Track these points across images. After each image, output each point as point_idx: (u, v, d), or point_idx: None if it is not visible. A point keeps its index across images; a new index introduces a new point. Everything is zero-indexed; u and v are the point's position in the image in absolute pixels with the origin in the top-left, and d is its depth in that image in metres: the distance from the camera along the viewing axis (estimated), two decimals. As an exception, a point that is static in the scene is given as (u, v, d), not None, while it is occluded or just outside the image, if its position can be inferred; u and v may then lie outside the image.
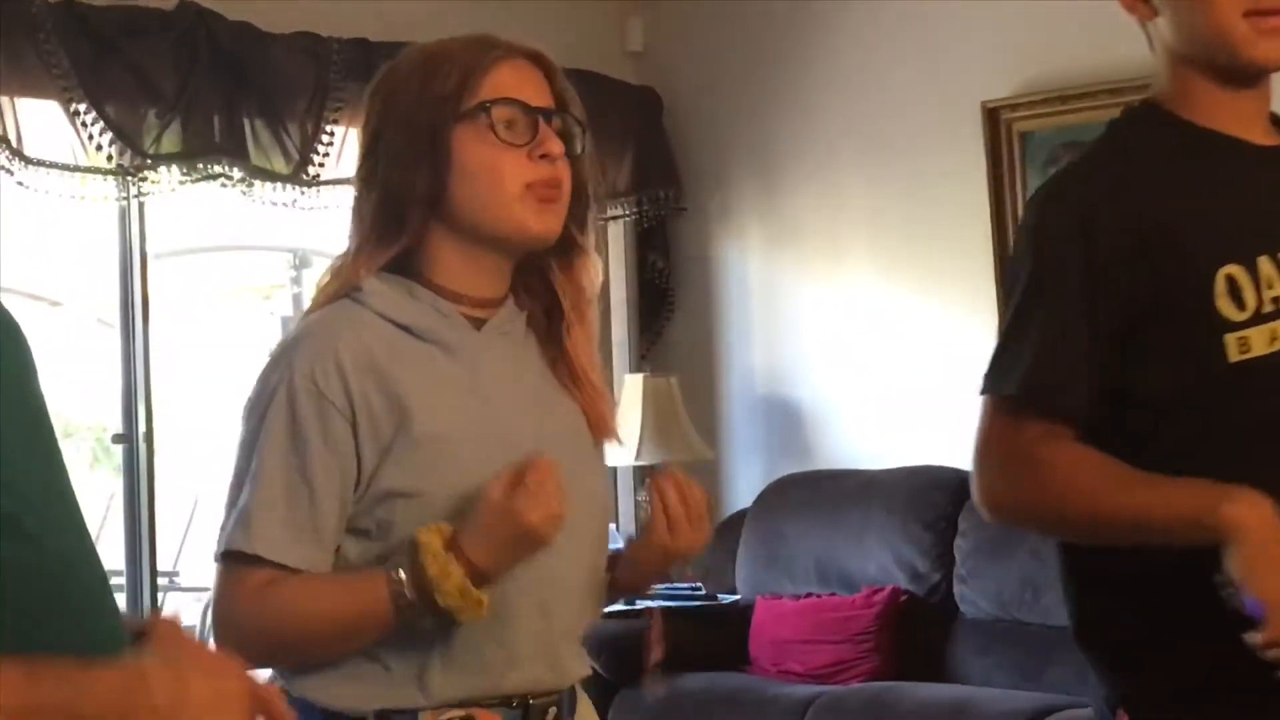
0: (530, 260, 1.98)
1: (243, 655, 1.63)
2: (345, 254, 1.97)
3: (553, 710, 1.93)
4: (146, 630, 1.29)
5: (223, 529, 1.87)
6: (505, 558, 1.80)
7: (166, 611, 1.36)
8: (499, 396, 1.94)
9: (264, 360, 1.93)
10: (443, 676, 1.85)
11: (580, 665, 2.01)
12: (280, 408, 1.85)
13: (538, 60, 1.99)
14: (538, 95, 1.95)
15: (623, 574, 2.06)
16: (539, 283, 2.01)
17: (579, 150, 1.98)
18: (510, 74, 1.94)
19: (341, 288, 1.92)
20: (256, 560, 1.83)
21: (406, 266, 1.94)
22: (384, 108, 1.94)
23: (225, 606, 1.85)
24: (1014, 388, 1.97)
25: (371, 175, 1.94)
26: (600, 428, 2.04)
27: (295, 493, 1.84)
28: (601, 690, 5.09)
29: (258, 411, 1.88)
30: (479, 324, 1.95)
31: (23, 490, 1.22)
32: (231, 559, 1.85)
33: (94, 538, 1.33)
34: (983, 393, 2.02)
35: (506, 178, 1.90)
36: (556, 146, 1.93)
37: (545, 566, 1.88)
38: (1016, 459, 1.97)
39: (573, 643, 1.98)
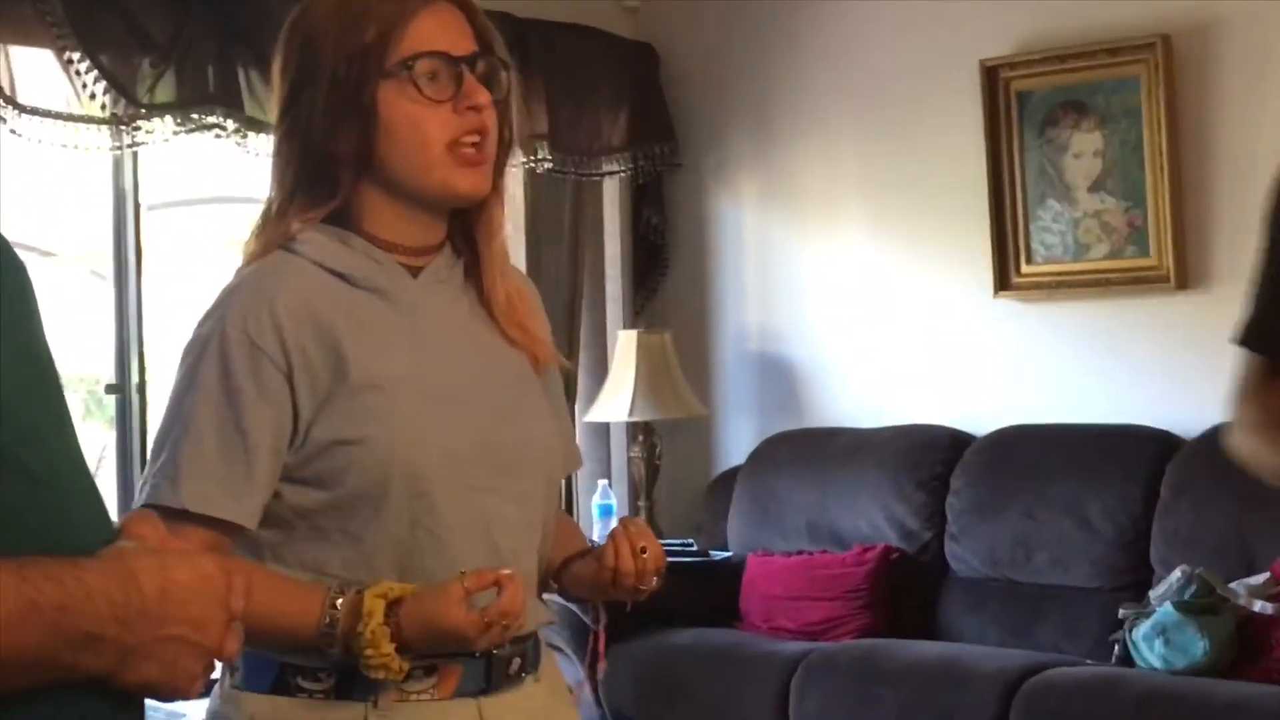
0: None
1: None
2: (270, 208, 1.93)
3: (516, 661, 1.92)
4: (123, 531, 1.30)
5: (144, 481, 1.84)
6: (433, 643, 1.80)
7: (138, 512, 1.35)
8: (439, 342, 1.93)
9: (199, 312, 1.90)
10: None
11: (539, 610, 1.98)
12: (212, 359, 1.83)
13: (457, 1, 1.94)
14: (460, 41, 1.91)
15: (568, 582, 2.06)
16: (460, 227, 1.99)
17: (504, 92, 1.95)
18: (431, 21, 1.90)
19: (274, 240, 1.90)
20: (184, 515, 1.79)
21: (337, 216, 1.92)
22: (302, 58, 1.90)
23: None
24: (1240, 333, 1.98)
25: (294, 128, 1.90)
26: (540, 364, 2.01)
27: (228, 445, 1.81)
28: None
29: (188, 362, 1.86)
30: (415, 272, 1.94)
31: (23, 424, 1.22)
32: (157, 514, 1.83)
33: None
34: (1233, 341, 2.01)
35: (431, 138, 1.88)
36: (483, 96, 1.90)
37: (493, 510, 1.89)
38: (1265, 416, 1.96)
39: (530, 585, 1.95)
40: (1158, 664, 4.25)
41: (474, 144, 1.90)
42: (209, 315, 1.88)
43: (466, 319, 1.97)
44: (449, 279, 1.97)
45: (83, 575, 1.18)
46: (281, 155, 1.92)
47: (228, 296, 1.88)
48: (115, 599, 1.18)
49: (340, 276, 1.89)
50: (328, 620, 1.78)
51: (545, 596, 2.06)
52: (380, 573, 1.83)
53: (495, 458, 1.91)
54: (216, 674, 1.91)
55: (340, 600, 1.78)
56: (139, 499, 1.84)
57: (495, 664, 1.89)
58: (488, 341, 1.98)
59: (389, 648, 1.76)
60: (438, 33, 1.90)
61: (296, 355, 1.83)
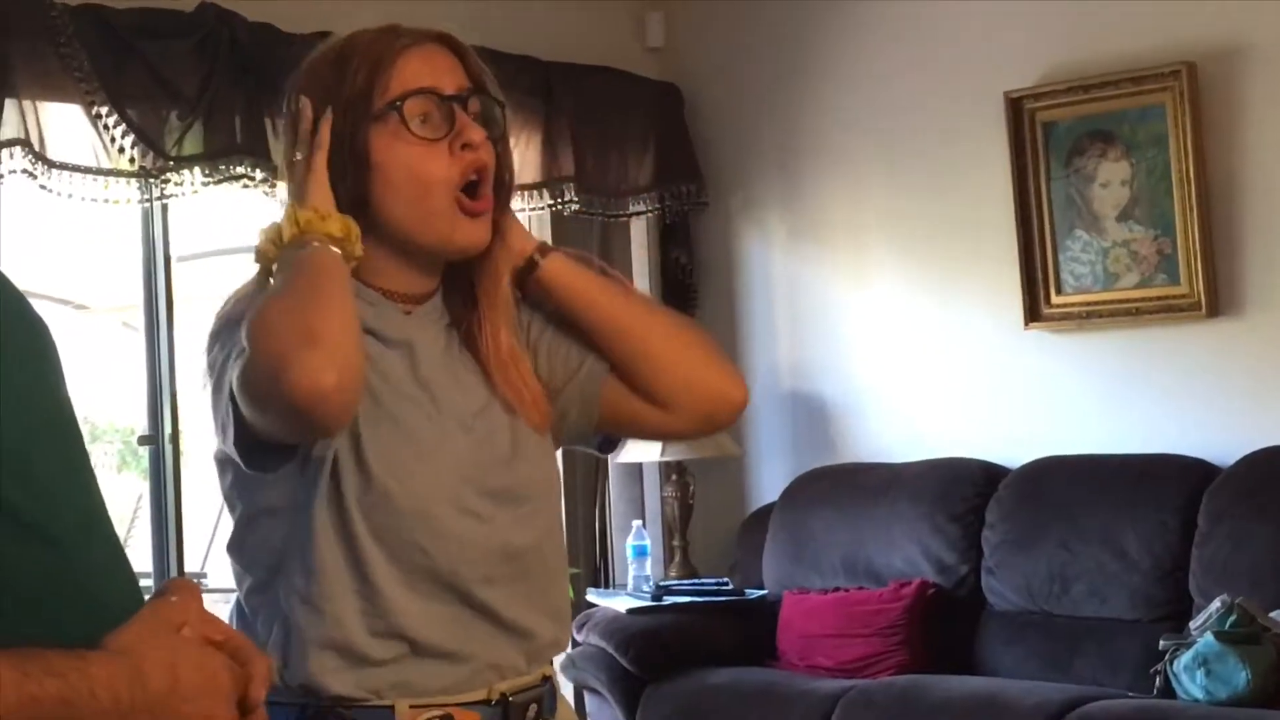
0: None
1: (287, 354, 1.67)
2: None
3: (533, 708, 1.90)
4: (164, 592, 1.29)
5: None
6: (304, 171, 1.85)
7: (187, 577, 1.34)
8: (436, 379, 1.91)
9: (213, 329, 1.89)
10: (415, 663, 1.83)
11: (550, 631, 1.95)
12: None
13: (447, 43, 1.92)
14: (451, 80, 1.89)
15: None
16: (459, 275, 1.97)
17: (500, 131, 1.93)
18: (420, 62, 1.88)
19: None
20: None
21: None
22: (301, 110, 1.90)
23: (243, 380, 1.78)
24: None
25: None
26: (528, 415, 1.96)
27: None
28: (629, 685, 5.09)
29: (225, 339, 1.85)
30: (407, 312, 1.93)
31: (48, 495, 1.21)
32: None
33: (123, 540, 1.32)
34: None
35: (432, 182, 1.86)
36: (476, 134, 1.87)
37: (494, 546, 1.88)
38: None
39: (542, 617, 1.93)
40: (1200, 695, 4.22)
41: (474, 184, 1.88)
42: (234, 305, 1.88)
43: (454, 358, 1.94)
44: (438, 321, 1.95)
45: (87, 669, 1.16)
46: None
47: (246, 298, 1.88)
48: (120, 693, 1.17)
49: None
50: (282, 243, 1.83)
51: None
52: (384, 585, 1.82)
53: (494, 488, 1.90)
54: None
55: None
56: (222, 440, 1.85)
57: (512, 711, 1.88)
58: (477, 379, 1.95)
59: (298, 212, 1.83)
60: (427, 71, 1.88)
61: None
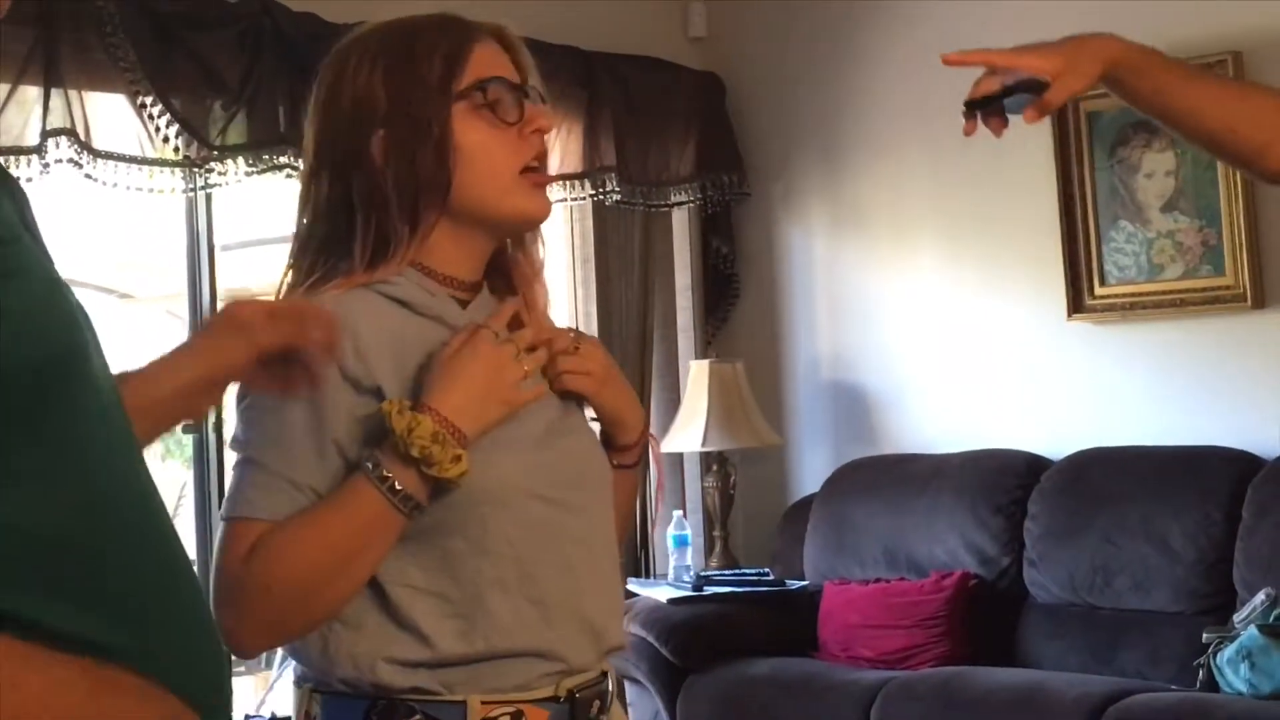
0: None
1: (258, 623, 1.71)
2: (335, 241, 1.94)
3: (596, 704, 1.91)
4: None
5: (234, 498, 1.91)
6: (474, 408, 1.80)
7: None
8: None
9: None
10: (484, 637, 1.83)
11: (616, 631, 1.96)
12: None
13: (501, 36, 1.97)
14: (510, 72, 1.95)
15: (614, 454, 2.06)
16: (495, 264, 2.01)
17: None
18: (486, 51, 1.94)
19: (348, 282, 1.89)
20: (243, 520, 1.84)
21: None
22: (361, 97, 1.90)
23: (221, 576, 1.81)
24: None
25: (349, 168, 1.90)
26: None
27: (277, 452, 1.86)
28: (669, 675, 5.10)
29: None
30: (463, 305, 1.96)
31: (97, 483, 1.21)
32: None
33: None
34: None
35: (502, 163, 1.91)
36: (545, 120, 1.94)
37: (561, 523, 1.89)
38: None
39: (601, 602, 1.94)
40: (1243, 688, 4.20)
41: (537, 167, 1.94)
42: None
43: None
44: (489, 312, 1.97)
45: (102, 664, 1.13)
46: (341, 198, 1.92)
47: None
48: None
49: (402, 304, 1.90)
50: (370, 467, 1.77)
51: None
52: (459, 581, 1.83)
53: (557, 469, 1.91)
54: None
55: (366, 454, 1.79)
56: (229, 510, 1.86)
57: (578, 707, 1.88)
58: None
59: (427, 420, 1.76)
60: (495, 62, 1.94)
61: (382, 380, 1.84)
